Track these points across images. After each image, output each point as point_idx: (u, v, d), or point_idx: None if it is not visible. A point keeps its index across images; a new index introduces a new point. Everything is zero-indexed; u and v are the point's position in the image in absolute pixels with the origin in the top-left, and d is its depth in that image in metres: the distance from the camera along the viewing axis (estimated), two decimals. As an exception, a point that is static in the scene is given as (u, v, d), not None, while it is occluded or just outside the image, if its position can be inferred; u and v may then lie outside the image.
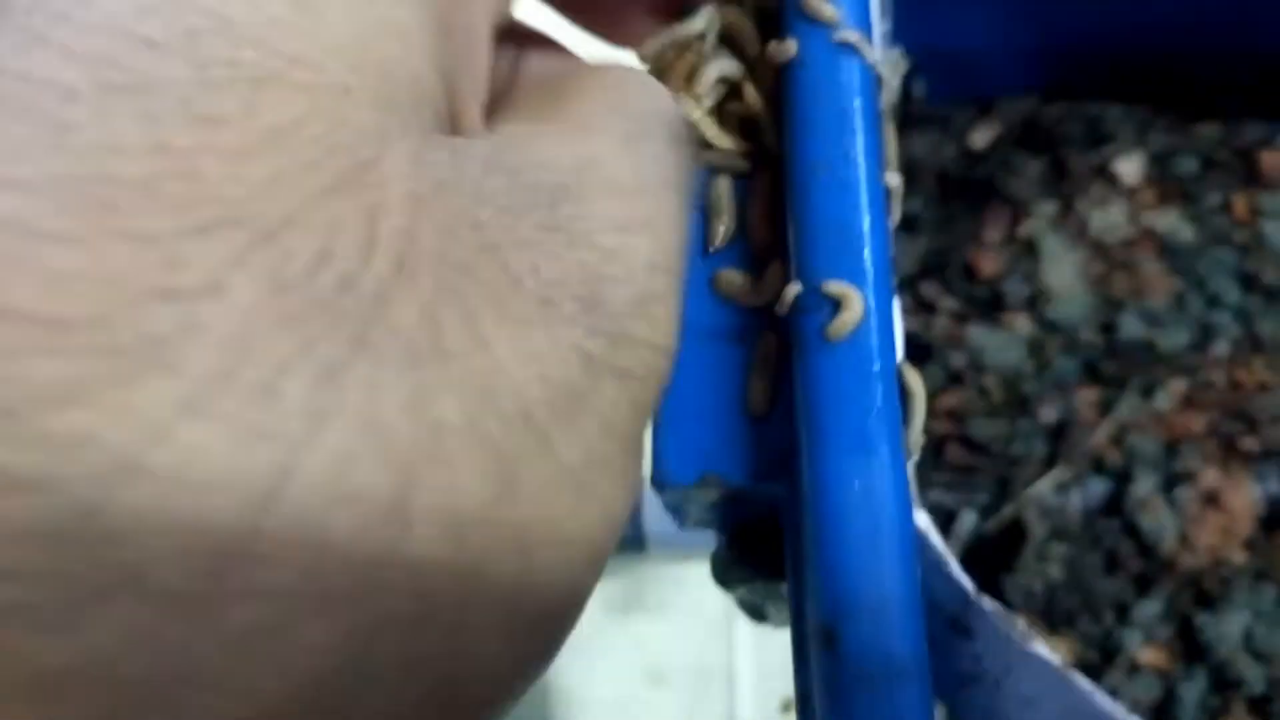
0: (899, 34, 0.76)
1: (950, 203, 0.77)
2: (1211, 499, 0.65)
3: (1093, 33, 0.77)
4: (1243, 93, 0.77)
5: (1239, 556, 0.64)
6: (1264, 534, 0.65)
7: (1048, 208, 0.76)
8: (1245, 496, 0.66)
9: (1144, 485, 0.67)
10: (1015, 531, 0.66)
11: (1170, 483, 0.67)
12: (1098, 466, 0.70)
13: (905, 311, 0.74)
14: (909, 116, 0.79)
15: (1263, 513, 0.65)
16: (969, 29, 0.78)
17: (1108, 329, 0.72)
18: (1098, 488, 0.69)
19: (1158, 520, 0.64)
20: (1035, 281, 0.73)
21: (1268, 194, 0.74)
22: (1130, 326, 0.72)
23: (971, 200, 0.77)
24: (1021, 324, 0.74)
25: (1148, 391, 0.71)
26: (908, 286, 0.75)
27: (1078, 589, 0.65)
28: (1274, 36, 0.74)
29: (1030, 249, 0.74)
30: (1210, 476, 0.66)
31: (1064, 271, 0.73)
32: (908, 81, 0.80)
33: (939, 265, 0.75)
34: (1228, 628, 0.62)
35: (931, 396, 0.71)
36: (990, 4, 0.77)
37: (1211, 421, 0.70)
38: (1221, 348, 0.71)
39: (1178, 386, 0.71)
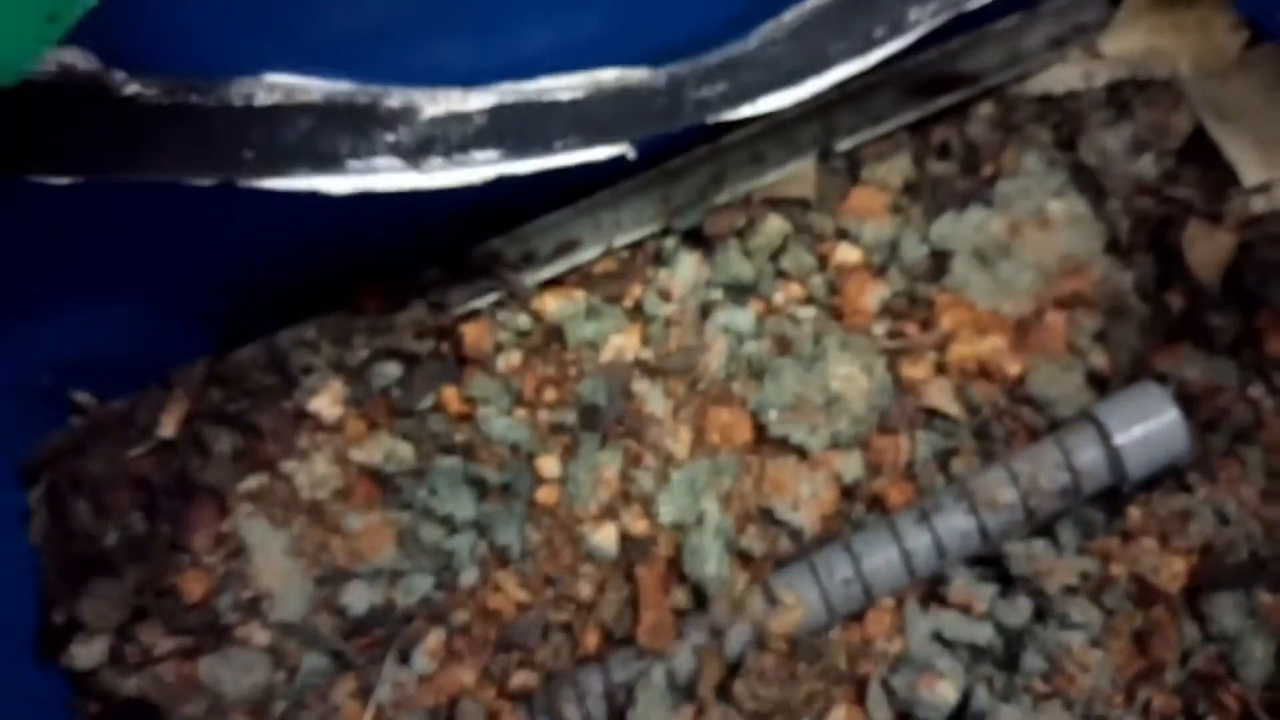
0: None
1: (153, 518, 0.66)
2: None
3: (254, 273, 0.68)
4: (439, 259, 0.71)
5: None
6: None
7: (252, 483, 0.66)
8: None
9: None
10: None
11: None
12: (377, 770, 0.62)
13: (124, 669, 0.62)
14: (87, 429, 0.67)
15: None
16: (118, 321, 0.67)
17: (341, 610, 0.63)
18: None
19: None
20: (252, 583, 0.64)
21: (477, 377, 0.68)
22: (360, 597, 0.63)
23: (175, 503, 0.66)
24: (257, 635, 0.64)
25: (405, 658, 0.64)
26: (120, 638, 0.64)
27: None
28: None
29: (241, 546, 0.64)
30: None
31: (277, 562, 0.64)
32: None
33: (147, 604, 0.64)
34: None
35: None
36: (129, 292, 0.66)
37: (482, 666, 0.64)
38: (469, 575, 0.65)
39: (435, 640, 0.64)
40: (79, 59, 0.47)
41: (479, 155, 0.56)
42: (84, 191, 0.54)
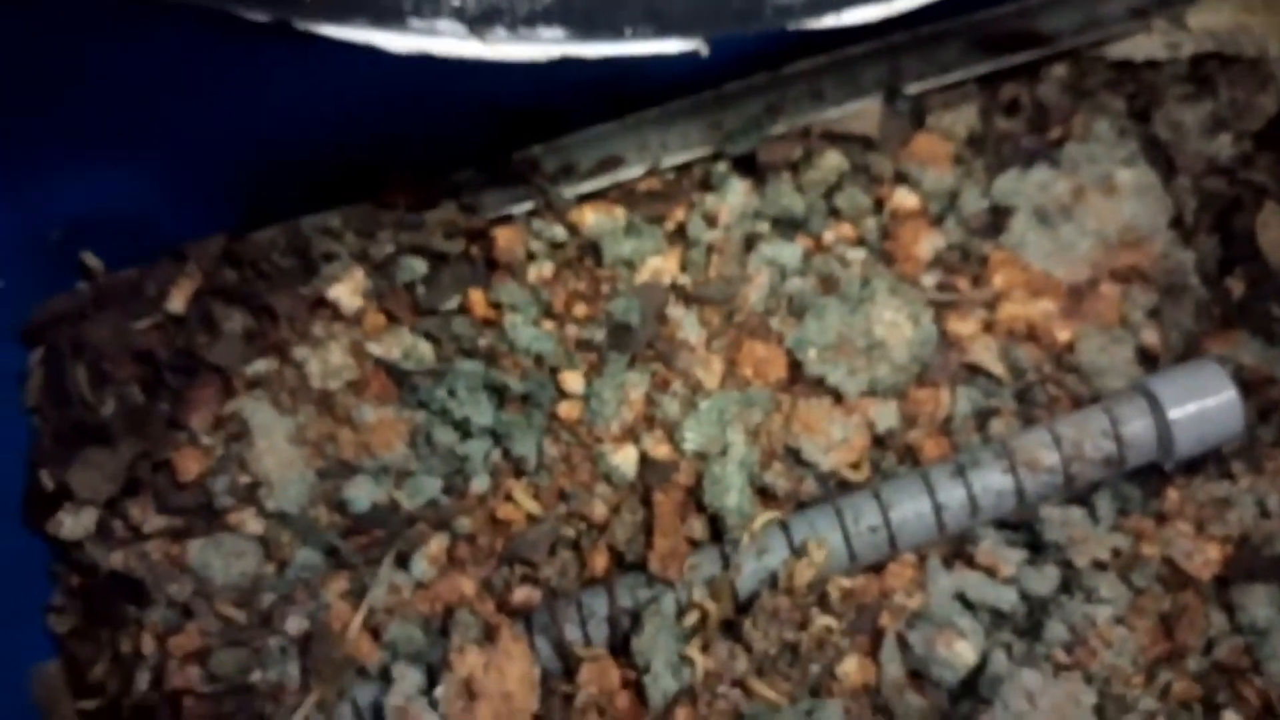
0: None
1: (154, 392, 0.63)
2: (471, 693, 0.55)
3: (282, 152, 0.64)
4: (474, 162, 0.68)
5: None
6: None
7: (260, 366, 0.63)
8: (520, 665, 0.57)
9: (404, 687, 0.56)
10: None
11: (433, 678, 0.56)
12: (362, 672, 0.59)
13: (111, 543, 0.59)
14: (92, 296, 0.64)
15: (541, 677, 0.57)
16: (137, 184, 0.63)
17: (342, 505, 0.60)
18: (367, 698, 0.58)
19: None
20: (250, 468, 0.60)
21: (506, 284, 0.65)
22: (364, 493, 0.60)
23: (178, 379, 0.63)
24: (250, 522, 0.61)
25: (403, 562, 0.61)
26: (109, 511, 0.60)
27: None
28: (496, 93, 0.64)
29: (243, 430, 0.61)
30: (471, 660, 0.55)
31: (280, 448, 0.61)
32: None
33: (140, 478, 0.60)
34: None
35: (162, 644, 0.57)
36: (152, 153, 0.63)
37: (483, 577, 0.61)
38: (480, 483, 0.62)
39: (437, 546, 0.61)
40: None
41: (545, 32, 0.53)
42: (121, 27, 0.51)
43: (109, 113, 0.59)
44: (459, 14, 0.52)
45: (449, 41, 0.52)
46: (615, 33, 0.54)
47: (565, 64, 0.55)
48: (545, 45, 0.53)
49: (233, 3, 0.49)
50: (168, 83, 0.58)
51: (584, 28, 0.54)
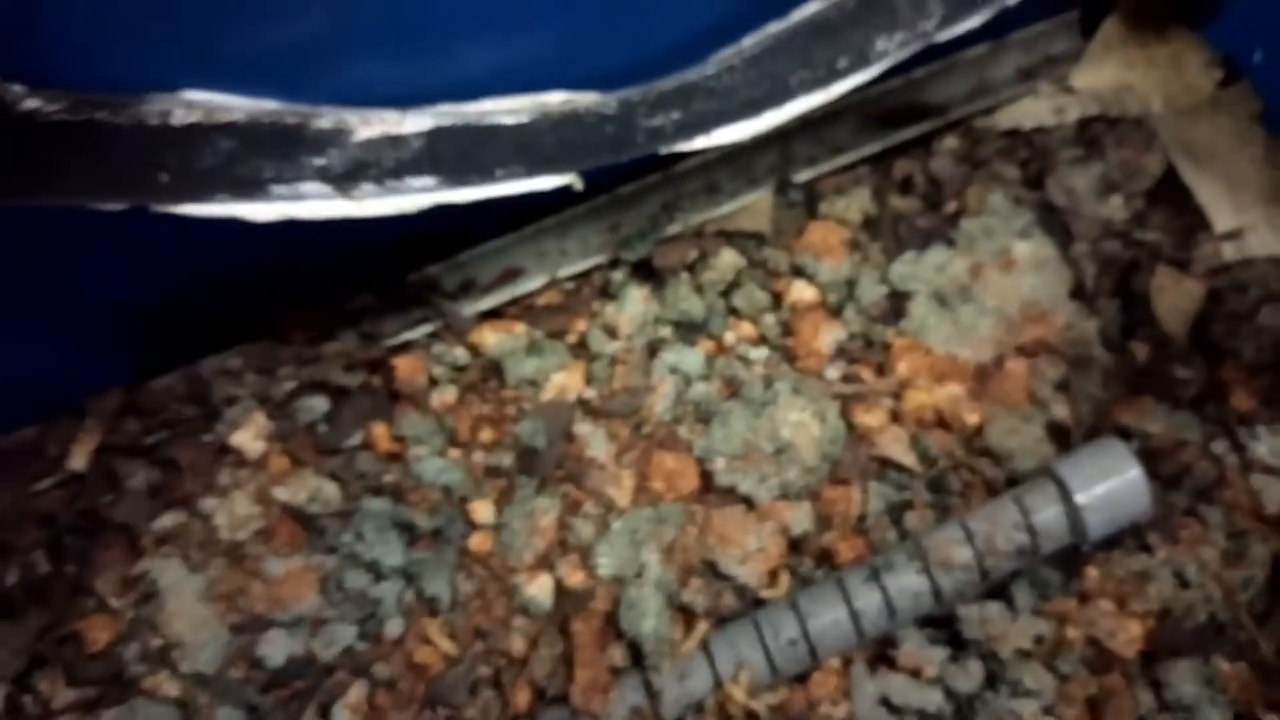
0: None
1: (58, 558, 0.61)
2: None
3: (173, 299, 0.63)
4: (372, 278, 0.67)
5: None
6: None
7: (167, 521, 0.62)
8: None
9: None
10: None
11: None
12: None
13: (23, 722, 0.58)
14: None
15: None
16: (28, 347, 0.62)
17: (256, 661, 0.59)
18: None
19: None
20: (162, 631, 0.59)
21: (409, 414, 0.64)
22: (279, 647, 0.59)
23: (83, 542, 0.62)
24: (166, 686, 0.60)
25: (325, 713, 0.60)
26: (17, 688, 0.59)
27: None
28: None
29: (153, 590, 0.60)
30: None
31: (191, 608, 0.60)
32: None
33: (47, 652, 0.59)
34: None
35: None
36: (40, 317, 0.61)
37: (406, 722, 0.60)
38: (394, 626, 0.61)
39: (357, 695, 0.60)
40: (-33, 75, 0.43)
41: (414, 182, 0.52)
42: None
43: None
44: (323, 174, 0.51)
45: (315, 204, 0.51)
46: (486, 176, 0.54)
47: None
48: (416, 196, 0.53)
49: (86, 198, 0.48)
50: (39, 254, 0.57)
51: (454, 174, 0.53)
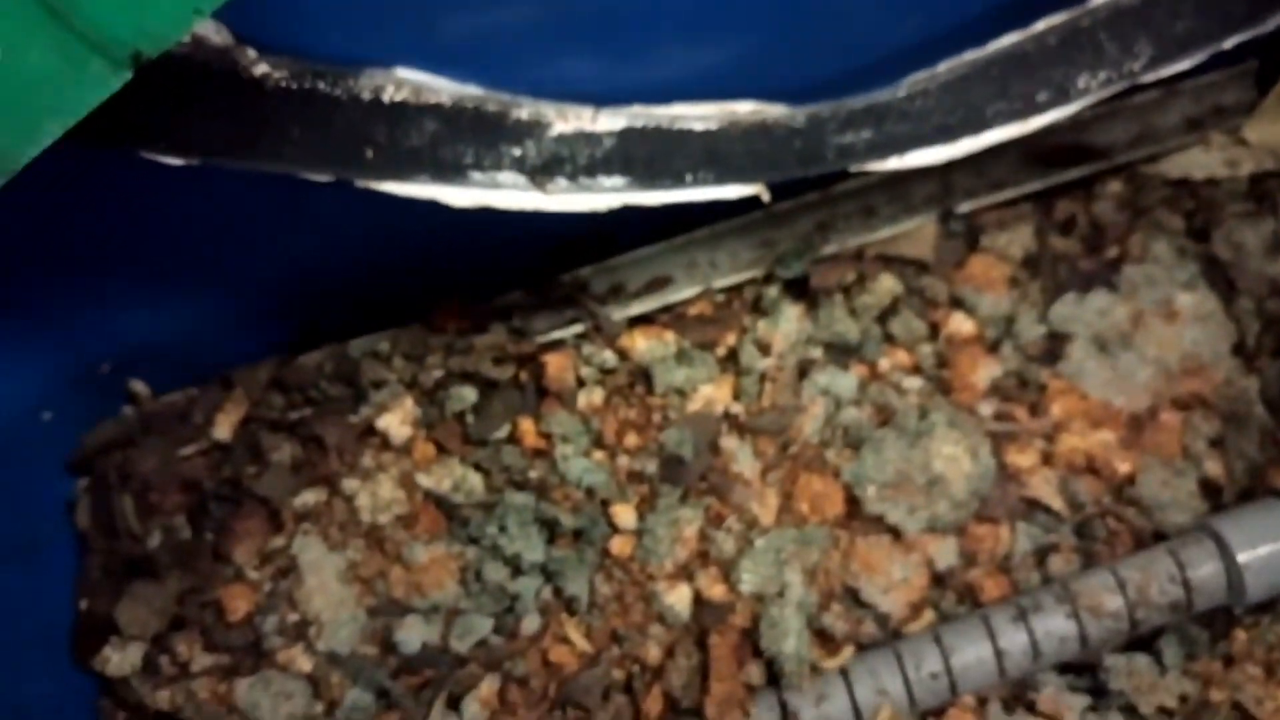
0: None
1: (200, 524, 0.62)
2: None
3: (331, 278, 0.64)
4: (523, 284, 0.67)
5: None
6: None
7: (308, 498, 0.62)
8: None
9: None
10: None
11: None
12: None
13: (157, 680, 0.58)
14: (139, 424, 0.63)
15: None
16: (186, 313, 0.63)
17: (390, 645, 0.59)
18: None
19: None
20: (300, 606, 0.59)
21: (557, 412, 0.64)
22: (415, 634, 0.59)
23: (224, 510, 0.62)
24: (300, 661, 0.60)
25: (455, 704, 0.59)
26: (156, 647, 0.59)
27: None
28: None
29: (291, 565, 0.60)
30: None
31: (329, 586, 0.60)
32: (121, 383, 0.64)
33: (187, 614, 0.60)
34: None
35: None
36: (202, 284, 0.62)
37: None
38: (531, 622, 0.61)
39: (489, 689, 0.60)
40: (211, 32, 0.43)
41: (606, 181, 0.52)
42: (180, 174, 0.51)
43: (162, 250, 0.58)
44: (520, 165, 0.51)
45: (510, 194, 0.51)
46: (676, 180, 0.54)
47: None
48: (606, 195, 0.53)
49: (298, 165, 0.48)
50: (218, 220, 0.58)
51: (645, 176, 0.53)
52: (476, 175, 0.51)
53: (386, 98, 0.49)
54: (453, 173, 0.51)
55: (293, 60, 0.47)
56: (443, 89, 0.50)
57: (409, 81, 0.49)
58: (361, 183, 0.49)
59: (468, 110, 0.51)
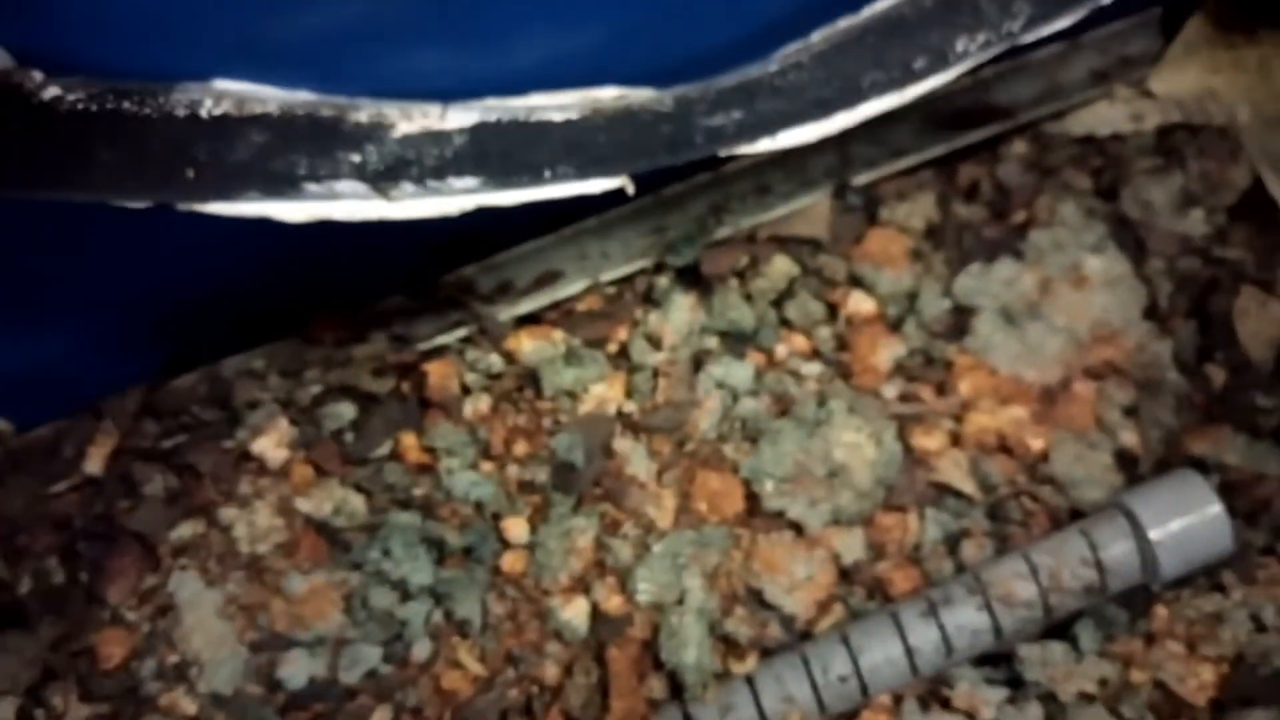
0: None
1: (73, 565, 0.59)
2: None
3: (199, 297, 0.60)
4: (405, 278, 0.64)
5: None
6: None
7: (185, 531, 0.59)
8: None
9: None
10: None
11: None
12: None
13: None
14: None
15: None
16: (47, 342, 0.59)
17: (276, 682, 0.56)
18: None
19: None
20: (179, 647, 0.56)
21: (440, 424, 0.61)
22: (300, 668, 0.56)
23: (97, 549, 0.59)
24: (182, 704, 0.57)
25: (347, 740, 0.57)
26: (29, 700, 0.56)
27: None
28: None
29: (169, 603, 0.57)
30: None
31: (209, 623, 0.57)
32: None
33: (60, 664, 0.56)
34: None
35: None
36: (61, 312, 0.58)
37: (431, 750, 0.57)
38: (422, 649, 0.58)
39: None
40: (-13, 56, 0.39)
41: (456, 183, 0.49)
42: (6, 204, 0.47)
43: (11, 278, 0.54)
44: (360, 172, 0.48)
45: (351, 204, 0.48)
46: (534, 176, 0.50)
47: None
48: (457, 197, 0.49)
49: (108, 193, 0.44)
50: (64, 245, 0.54)
51: (500, 174, 0.50)
52: (312, 187, 0.47)
53: (205, 112, 0.45)
54: (286, 186, 0.47)
55: (88, 80, 0.43)
56: (269, 98, 0.47)
57: (230, 93, 0.46)
58: (185, 206, 0.45)
59: (299, 118, 0.47)
